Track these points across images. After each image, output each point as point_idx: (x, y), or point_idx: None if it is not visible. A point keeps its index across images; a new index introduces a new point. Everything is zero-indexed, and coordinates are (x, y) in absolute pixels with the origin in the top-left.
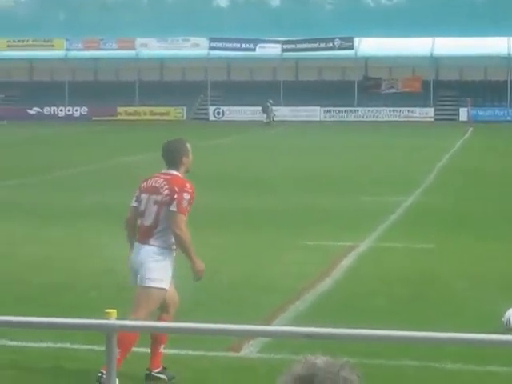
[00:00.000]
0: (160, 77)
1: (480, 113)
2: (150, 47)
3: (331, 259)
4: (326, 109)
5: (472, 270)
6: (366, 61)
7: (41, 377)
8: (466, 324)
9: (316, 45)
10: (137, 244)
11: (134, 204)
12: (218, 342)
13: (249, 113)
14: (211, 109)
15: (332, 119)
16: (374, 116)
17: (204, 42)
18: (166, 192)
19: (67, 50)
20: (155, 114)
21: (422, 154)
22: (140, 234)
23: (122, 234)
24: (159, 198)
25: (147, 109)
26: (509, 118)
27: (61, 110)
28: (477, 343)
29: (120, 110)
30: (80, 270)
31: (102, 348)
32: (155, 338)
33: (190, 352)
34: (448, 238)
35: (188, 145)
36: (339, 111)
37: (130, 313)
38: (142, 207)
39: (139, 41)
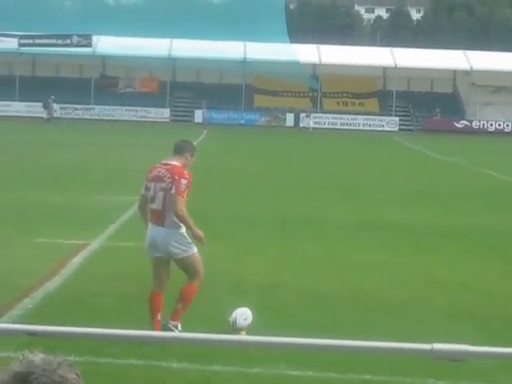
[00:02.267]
0: None
1: (215, 115)
2: None
3: (61, 257)
4: (62, 105)
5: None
6: (104, 59)
7: None
8: (193, 323)
9: (54, 41)
10: (152, 225)
11: (143, 192)
12: None
13: None
14: None
15: (68, 116)
16: (110, 115)
17: None
18: (169, 180)
19: None
20: None
21: (157, 154)
22: (153, 216)
23: None
24: (164, 185)
25: None
26: (242, 122)
27: None
28: (201, 342)
29: None
30: None
31: None
32: (179, 295)
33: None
34: None
35: (195, 150)
36: (75, 108)
37: (188, 279)
38: (151, 193)
39: None
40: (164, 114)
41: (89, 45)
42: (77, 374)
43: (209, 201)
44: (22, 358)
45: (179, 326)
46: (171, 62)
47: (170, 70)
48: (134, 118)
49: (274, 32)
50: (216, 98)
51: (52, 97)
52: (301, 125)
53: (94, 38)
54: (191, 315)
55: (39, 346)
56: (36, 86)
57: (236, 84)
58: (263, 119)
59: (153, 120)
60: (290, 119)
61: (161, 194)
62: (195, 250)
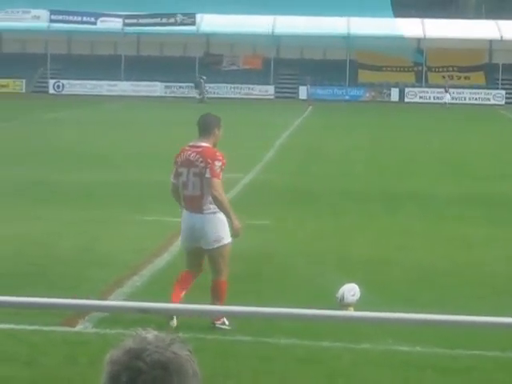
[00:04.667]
0: None
1: (319, 91)
2: None
3: (169, 235)
4: (167, 84)
5: (308, 246)
6: (208, 37)
7: None
8: (301, 300)
9: (158, 20)
10: (187, 213)
11: (173, 180)
12: (53, 316)
13: (89, 87)
14: (51, 82)
15: (172, 95)
16: (214, 92)
17: (45, 14)
18: (202, 164)
19: None
20: None
21: (261, 132)
22: (187, 203)
23: None
24: (197, 170)
25: None
26: (347, 97)
27: None
28: (310, 318)
29: None
30: None
31: None
32: (212, 295)
33: (26, 327)
34: (285, 215)
35: (221, 121)
36: (180, 87)
37: (215, 275)
38: (184, 179)
39: None
40: (268, 90)
41: (193, 23)
42: (189, 351)
43: (314, 178)
44: (134, 334)
45: (225, 320)
46: (275, 39)
47: (273, 47)
48: (238, 96)
49: (378, 6)
50: (320, 74)
51: (204, 77)
52: (405, 100)
53: (198, 17)
54: (299, 291)
55: (148, 323)
56: (141, 66)
57: (340, 60)
58: (368, 94)
59: (257, 97)
60: (394, 94)
61: (196, 179)
62: (230, 239)
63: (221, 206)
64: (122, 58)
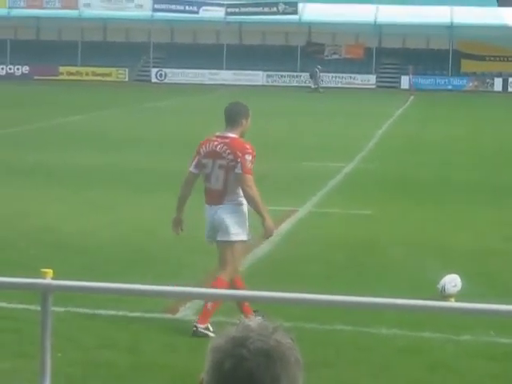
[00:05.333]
0: (103, 37)
1: (421, 81)
2: (94, 7)
3: None
4: (269, 73)
5: (410, 236)
6: (310, 26)
7: None
8: (402, 290)
9: (260, 9)
10: (208, 206)
11: (193, 170)
12: (154, 303)
13: (191, 75)
14: (154, 71)
15: (274, 84)
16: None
17: (148, 3)
18: (231, 157)
19: (9, 7)
20: (97, 74)
21: (363, 121)
22: (210, 197)
23: (60, 193)
24: (224, 162)
25: (89, 69)
26: (449, 87)
27: (2, 69)
28: (411, 309)
29: (62, 69)
30: (18, 228)
31: (39, 308)
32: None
33: (127, 313)
34: (387, 204)
35: (249, 110)
36: (282, 76)
37: (219, 269)
38: (208, 171)
39: (82, 0)
40: (370, 80)
41: (295, 12)
42: (292, 339)
43: (415, 167)
44: (238, 322)
45: (210, 326)
46: (377, 28)
47: (375, 36)
48: (339, 85)
49: None
50: (422, 63)
51: (319, 66)
52: (509, 89)
53: (300, 5)
54: (399, 281)
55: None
56: (242, 55)
57: (442, 49)
58: (470, 84)
59: (359, 86)
60: (498, 84)
61: (220, 172)
62: (246, 237)
63: (253, 202)
64: (223, 46)
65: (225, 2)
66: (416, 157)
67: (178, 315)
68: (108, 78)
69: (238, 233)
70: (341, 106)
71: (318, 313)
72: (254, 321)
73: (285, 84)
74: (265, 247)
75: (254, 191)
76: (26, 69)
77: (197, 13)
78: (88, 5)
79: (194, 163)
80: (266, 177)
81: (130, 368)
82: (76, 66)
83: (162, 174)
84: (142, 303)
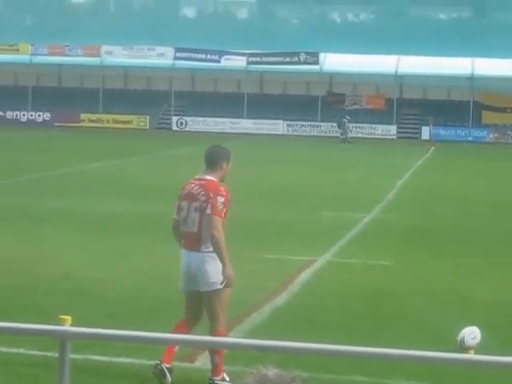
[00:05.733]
0: (124, 85)
1: (442, 132)
2: (115, 55)
3: (289, 273)
4: (289, 123)
5: (428, 287)
6: (331, 76)
7: None
8: (420, 342)
9: (281, 58)
10: (185, 251)
11: (175, 216)
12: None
13: (212, 124)
14: (174, 119)
15: (295, 133)
16: (337, 131)
17: (169, 51)
18: (203, 198)
19: (32, 54)
20: (118, 122)
21: (383, 172)
22: (186, 241)
23: (79, 239)
24: (198, 204)
25: (110, 116)
26: (470, 139)
27: (23, 115)
28: (430, 361)
29: (83, 116)
30: (37, 274)
31: (56, 354)
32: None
33: (145, 362)
34: (405, 255)
35: (231, 154)
36: (302, 125)
37: (212, 324)
38: (184, 214)
39: (104, 48)
40: (391, 130)
41: (316, 62)
42: None
43: (434, 218)
44: (255, 371)
45: (226, 376)
46: (398, 79)
47: (396, 87)
48: (360, 135)
49: (503, 47)
50: (443, 114)
51: (347, 117)
52: None
53: (321, 55)
54: (418, 333)
55: (268, 360)
56: (263, 104)
57: (463, 100)
58: (491, 136)
59: (379, 137)
60: None
61: (195, 215)
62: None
63: (216, 247)
64: (244, 95)
65: (246, 52)
66: (436, 208)
67: (197, 363)
68: (129, 126)
69: (220, 280)
70: (361, 156)
71: (335, 363)
72: (272, 370)
73: (305, 133)
74: (284, 296)
75: (221, 235)
76: (47, 115)
77: (218, 62)
78: (110, 52)
79: (175, 208)
80: (286, 226)
81: None
82: (97, 113)
83: None
84: (159, 351)
